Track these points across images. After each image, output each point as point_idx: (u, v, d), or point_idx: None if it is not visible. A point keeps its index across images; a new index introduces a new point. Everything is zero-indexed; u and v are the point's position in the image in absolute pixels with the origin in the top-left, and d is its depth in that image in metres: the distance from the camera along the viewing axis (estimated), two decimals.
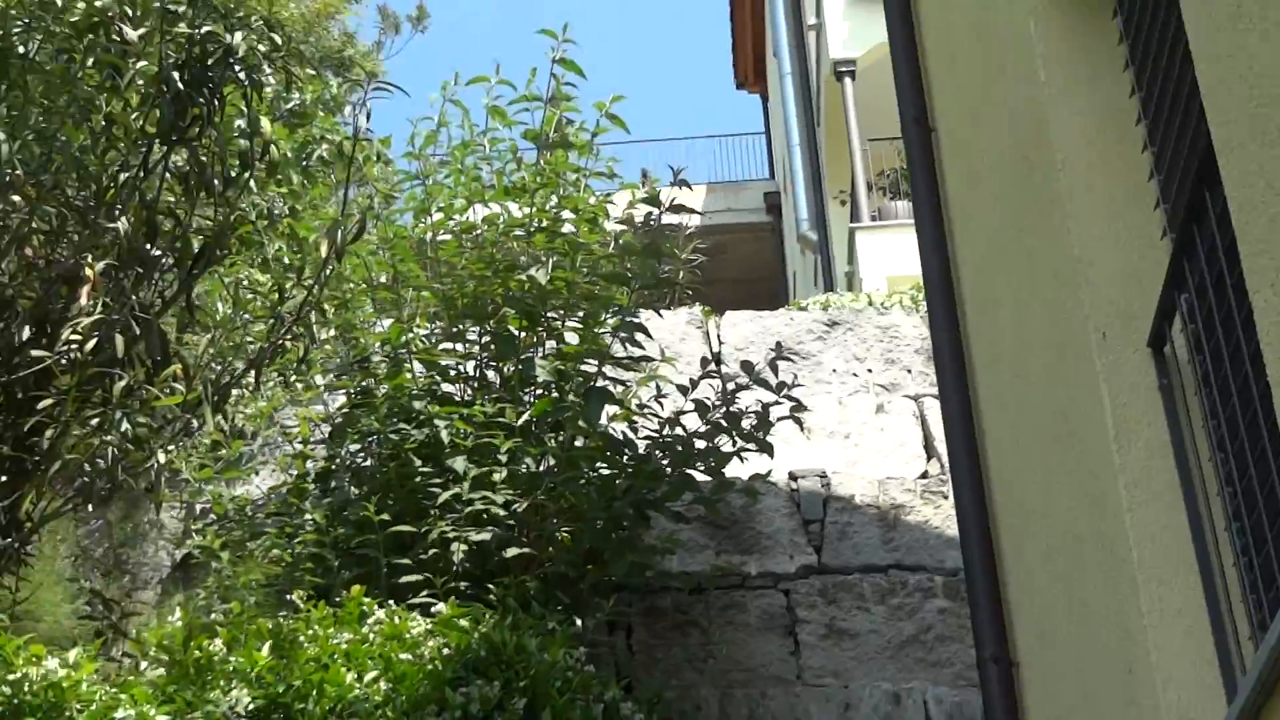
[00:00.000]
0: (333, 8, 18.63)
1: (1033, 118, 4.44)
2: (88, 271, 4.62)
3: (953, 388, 5.70)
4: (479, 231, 7.12)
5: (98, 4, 4.76)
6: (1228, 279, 3.27)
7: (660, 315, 7.66)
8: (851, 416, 8.59)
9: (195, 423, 4.79)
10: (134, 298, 4.81)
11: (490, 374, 7.11)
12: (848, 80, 16.83)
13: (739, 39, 26.41)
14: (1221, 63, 2.88)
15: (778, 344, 7.38)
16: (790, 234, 21.86)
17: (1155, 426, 3.90)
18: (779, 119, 21.82)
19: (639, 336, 7.02)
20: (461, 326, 7.07)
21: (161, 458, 4.56)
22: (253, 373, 5.09)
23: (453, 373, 7.03)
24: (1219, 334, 3.43)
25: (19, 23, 4.77)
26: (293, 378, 6.41)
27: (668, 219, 7.53)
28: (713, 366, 7.18)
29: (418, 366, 6.95)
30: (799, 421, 7.17)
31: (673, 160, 29.82)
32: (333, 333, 6.59)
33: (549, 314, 7.06)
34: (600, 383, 6.97)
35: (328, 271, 5.18)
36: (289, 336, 5.18)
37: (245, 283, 5.52)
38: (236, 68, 5.01)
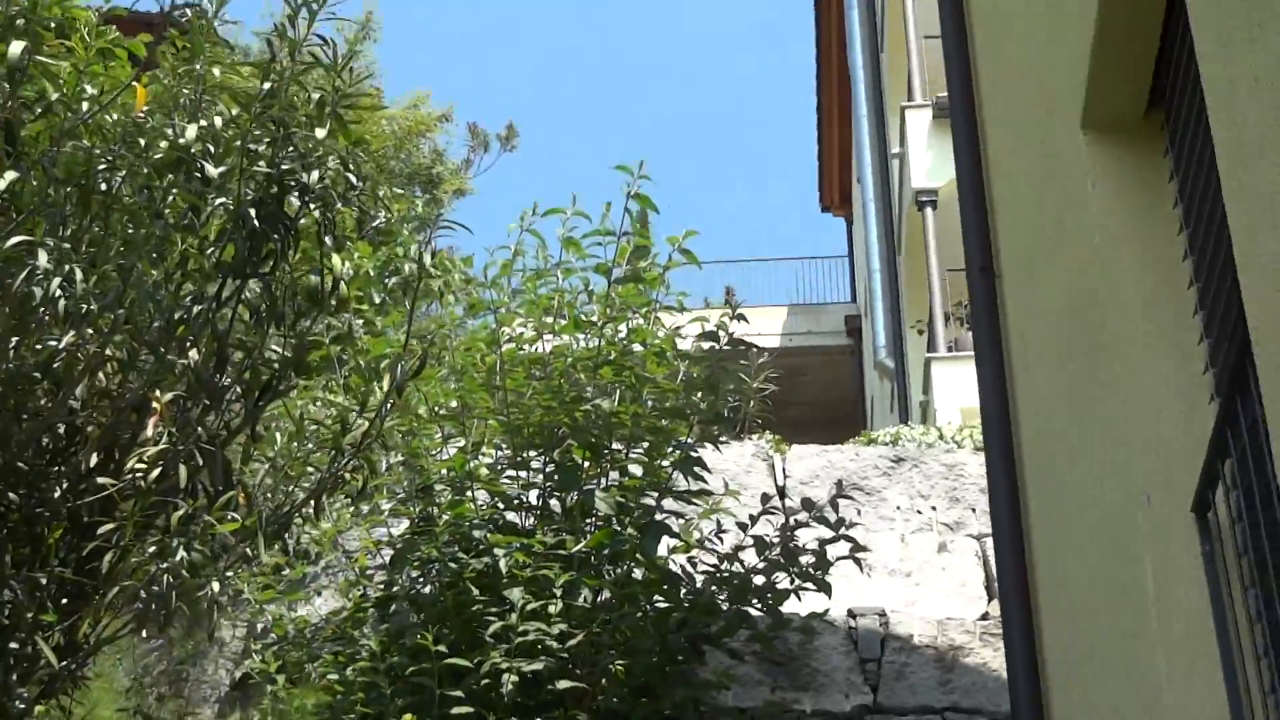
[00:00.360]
0: (423, 126, 19.02)
1: (1088, 277, 4.48)
2: (155, 402, 4.76)
3: (1007, 531, 5.71)
4: (548, 362, 7.22)
5: (181, 141, 4.94)
6: (1267, 451, 3.28)
7: (719, 450, 7.70)
8: (913, 554, 8.57)
9: (250, 551, 4.88)
10: (200, 428, 4.94)
11: (554, 503, 7.17)
12: (929, 210, 16.94)
13: (826, 162, 26.66)
14: (1257, 249, 2.92)
15: (838, 482, 7.40)
16: (869, 359, 21.87)
17: (1196, 592, 3.90)
18: (861, 244, 21.93)
19: (700, 470, 7.07)
20: (526, 455, 7.14)
21: (216, 586, 4.67)
22: (313, 502, 5.19)
23: (516, 501, 7.10)
24: (1258, 504, 3.44)
25: (103, 160, 4.95)
26: (358, 504, 6.50)
27: (745, 339, 7.61)
28: (773, 503, 7.20)
29: (481, 495, 7.03)
30: (858, 561, 7.18)
31: (755, 281, 29.94)
32: (398, 459, 6.69)
33: (613, 445, 7.13)
34: (660, 516, 7.02)
35: (389, 405, 5.28)
36: (350, 468, 5.29)
37: (307, 415, 5.64)
38: (311, 205, 5.17)
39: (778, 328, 26.73)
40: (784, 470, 9.11)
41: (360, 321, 7.69)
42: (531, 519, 7.11)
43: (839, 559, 7.10)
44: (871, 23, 20.19)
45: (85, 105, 4.88)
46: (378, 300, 7.13)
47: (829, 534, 7.10)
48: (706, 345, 7.35)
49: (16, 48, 4.69)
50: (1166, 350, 4.19)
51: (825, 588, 7.05)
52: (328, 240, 5.28)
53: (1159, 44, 4.17)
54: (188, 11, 5.21)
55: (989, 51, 6.20)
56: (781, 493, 8.54)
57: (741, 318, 7.21)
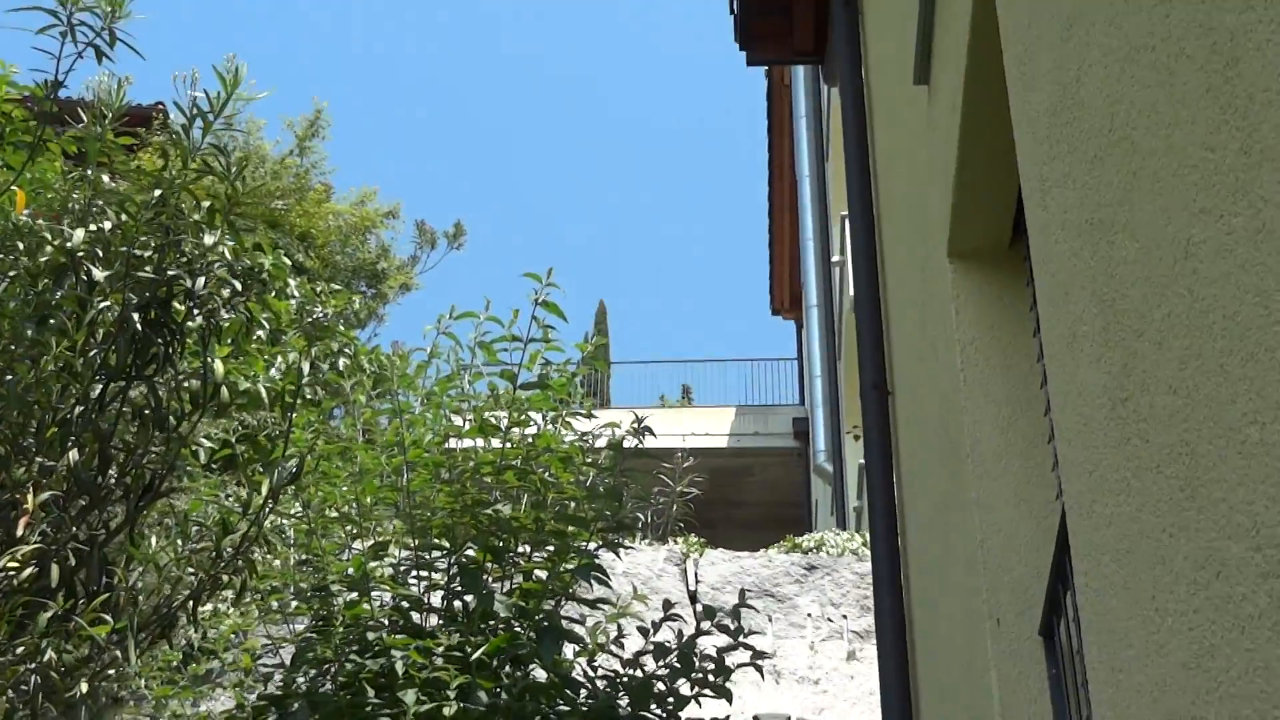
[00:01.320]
0: (370, 222, 19.12)
1: (955, 398, 4.57)
2: (25, 503, 4.79)
3: (890, 639, 5.77)
4: (454, 465, 7.26)
5: (68, 245, 4.99)
6: (1072, 593, 3.35)
7: (620, 556, 7.74)
8: (823, 662, 8.59)
9: (120, 653, 4.89)
10: (76, 528, 4.96)
11: (457, 605, 7.19)
12: None
13: (777, 267, 26.91)
14: (1059, 378, 3.00)
15: (742, 590, 7.43)
16: (812, 462, 21.96)
17: (1044, 714, 3.95)
18: (807, 349, 22.08)
19: (602, 576, 7.10)
20: (430, 556, 7.17)
21: (84, 687, 4.67)
22: (191, 603, 5.20)
23: (421, 602, 7.12)
24: None
25: None
26: (261, 600, 6.51)
27: (681, 443, 7.65)
28: (675, 610, 7.24)
29: (386, 595, 7.04)
30: (759, 668, 7.21)
31: (707, 381, 30.09)
32: (300, 558, 6.70)
33: (517, 549, 7.16)
34: (562, 620, 7.04)
35: (267, 510, 5.31)
36: (230, 570, 5.31)
37: (190, 516, 5.67)
38: (196, 311, 5.22)
39: (727, 428, 26.83)
40: (696, 575, 9.14)
41: (292, 416, 7.72)
42: (435, 619, 7.12)
43: (739, 666, 7.12)
44: (818, 133, 20.45)
45: None
46: (309, 396, 7.19)
47: (731, 641, 7.13)
48: (614, 452, 7.41)
49: None
50: (1021, 475, 4.28)
51: (725, 694, 7.06)
52: (211, 345, 5.32)
53: (1018, 178, 4.29)
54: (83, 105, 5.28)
55: (887, 175, 6.34)
56: (693, 597, 8.56)
57: (648, 430, 7.28)
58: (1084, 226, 2.72)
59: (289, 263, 6.91)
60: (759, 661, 7.16)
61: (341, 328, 7.55)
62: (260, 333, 7.29)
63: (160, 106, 17.13)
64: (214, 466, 7.01)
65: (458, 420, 7.49)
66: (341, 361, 7.11)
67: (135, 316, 5.08)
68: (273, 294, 6.29)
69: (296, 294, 6.91)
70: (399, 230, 20.38)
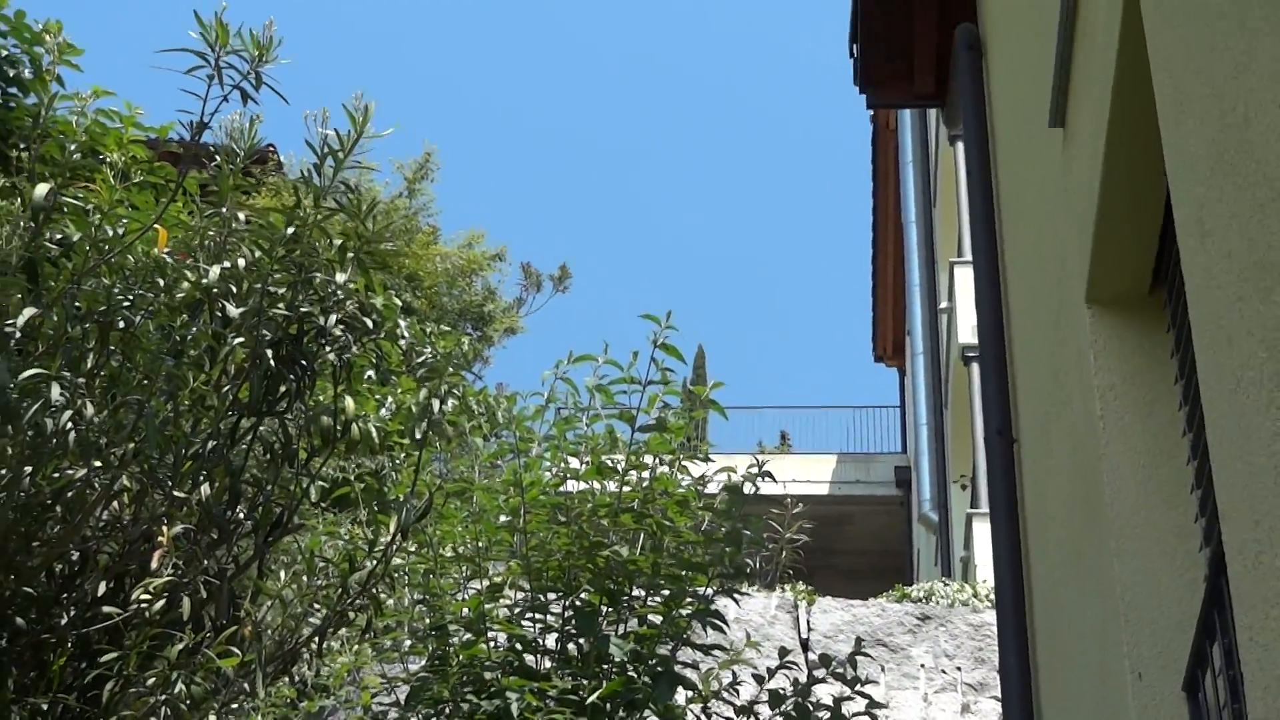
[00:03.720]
0: (477, 264, 19.27)
1: (1093, 446, 4.50)
2: (160, 536, 4.83)
3: (1015, 694, 5.66)
4: (571, 507, 7.26)
5: (204, 282, 5.06)
6: (1234, 645, 3.26)
7: (737, 602, 7.69)
8: (936, 714, 8.48)
9: (248, 686, 4.91)
10: (206, 561, 5.00)
11: (571, 648, 7.17)
12: (974, 365, 16.93)
13: (880, 313, 26.77)
14: (1221, 426, 2.93)
15: (858, 639, 7.36)
16: (916, 511, 21.76)
17: None
18: (911, 397, 21.93)
19: (717, 622, 7.06)
20: (545, 599, 7.16)
21: (213, 719, 4.69)
22: (317, 639, 5.22)
23: (534, 644, 7.10)
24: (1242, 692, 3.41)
25: (125, 299, 5.08)
26: (367, 642, 6.54)
27: (780, 489, 7.62)
28: (790, 657, 7.17)
29: (500, 636, 7.04)
30: (874, 718, 7.11)
31: (808, 428, 29.95)
32: (417, 597, 6.72)
33: (632, 592, 7.13)
34: (676, 666, 7.00)
35: (395, 546, 5.33)
36: (356, 607, 5.33)
37: (318, 553, 5.69)
38: (328, 349, 5.26)
39: (828, 475, 26.69)
40: (808, 623, 9.05)
41: (401, 457, 7.75)
42: (549, 662, 7.10)
43: (855, 715, 7.04)
44: (925, 179, 20.37)
45: (107, 246, 5.01)
46: (418, 436, 7.22)
47: (847, 690, 7.05)
48: (731, 495, 7.36)
49: (42, 189, 4.85)
50: (1163, 525, 4.19)
51: None
52: (342, 382, 5.36)
53: (1161, 223, 4.22)
54: (222, 147, 5.36)
55: (1011, 220, 6.27)
56: (805, 646, 8.49)
57: (767, 474, 7.23)
58: (1251, 269, 2.65)
59: (399, 303, 6.95)
60: (875, 711, 7.07)
61: (450, 369, 7.59)
62: (370, 372, 7.35)
63: (272, 147, 17.37)
64: (326, 505, 7.06)
65: (575, 463, 7.48)
66: (451, 403, 7.13)
67: (268, 352, 5.14)
68: (383, 334, 6.34)
69: (406, 334, 6.95)
70: (505, 273, 20.56)
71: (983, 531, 15.44)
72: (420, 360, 6.88)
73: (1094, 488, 4.46)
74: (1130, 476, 4.29)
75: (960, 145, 16.43)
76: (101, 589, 5.02)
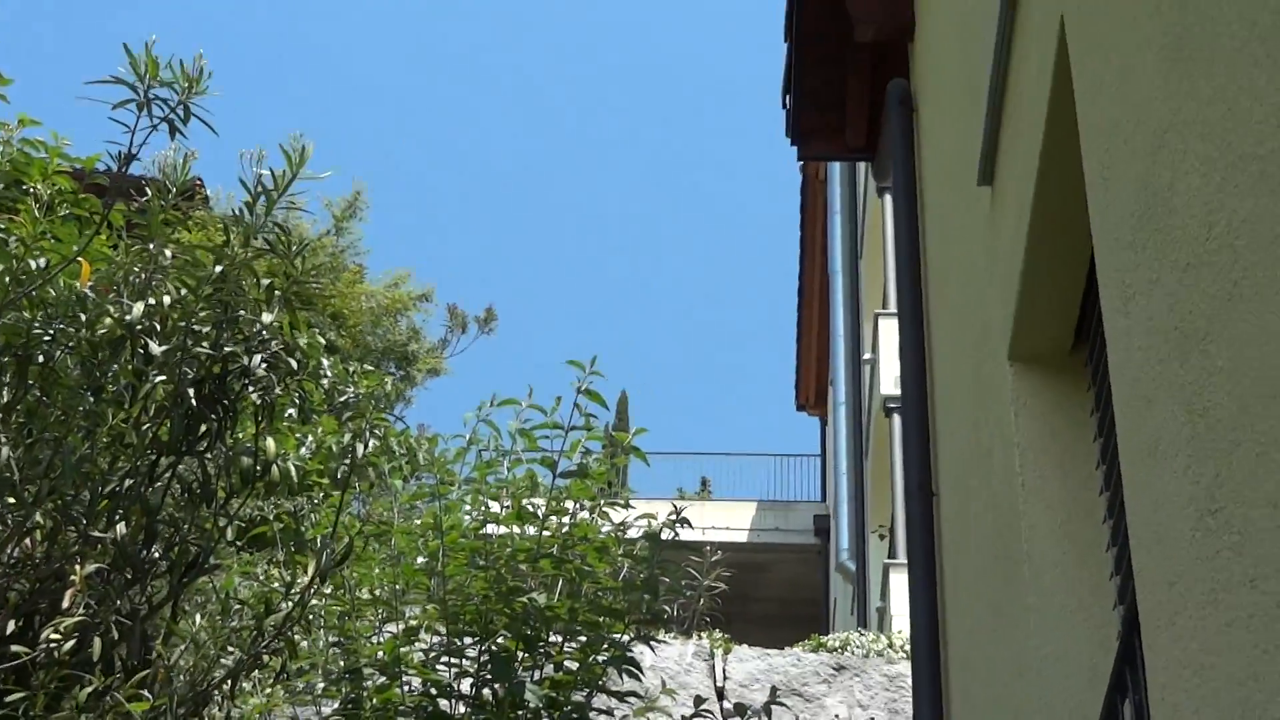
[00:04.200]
0: (402, 304, 19.23)
1: (1010, 503, 4.53)
2: (73, 575, 4.77)
3: None
4: (490, 552, 7.23)
5: (127, 318, 5.00)
6: (1145, 707, 3.29)
7: (654, 649, 7.68)
8: None
9: None
10: (119, 601, 4.94)
11: (487, 693, 7.12)
12: (896, 417, 17.02)
13: (804, 362, 26.90)
14: (1138, 488, 2.96)
15: (773, 688, 7.37)
16: (834, 560, 21.84)
17: None
18: (831, 446, 22.04)
19: (633, 669, 7.04)
20: (462, 643, 7.12)
21: None
22: (229, 681, 5.16)
23: (449, 689, 7.05)
24: None
25: (46, 333, 5.02)
26: (281, 684, 6.47)
27: (700, 535, 7.61)
28: (705, 706, 7.16)
29: (415, 681, 6.98)
30: None
31: (728, 474, 30.02)
32: (331, 639, 6.66)
33: (549, 638, 7.10)
34: (592, 713, 6.97)
35: (313, 589, 5.28)
36: (270, 649, 5.27)
37: (233, 595, 5.63)
38: (251, 388, 5.22)
39: (747, 522, 26.75)
40: (724, 672, 9.05)
41: (320, 498, 7.68)
42: (463, 707, 7.05)
43: None
44: (853, 230, 20.52)
45: (27, 278, 4.95)
46: (347, 477, 7.16)
47: None
48: (650, 542, 7.36)
49: None
50: (1079, 582, 4.23)
51: None
52: (264, 422, 5.32)
53: (1085, 283, 4.28)
54: (152, 182, 5.32)
55: (938, 275, 6.33)
56: (721, 694, 8.48)
57: (685, 522, 7.24)
58: (1172, 334, 2.69)
59: (323, 342, 6.91)
60: None
61: (372, 409, 7.54)
62: (292, 411, 7.29)
63: (199, 181, 17.26)
64: (243, 545, 6.98)
65: (495, 506, 7.46)
66: (372, 443, 7.09)
67: (190, 391, 5.09)
68: (306, 374, 6.30)
69: (329, 373, 6.91)
70: (431, 313, 20.52)
71: (900, 582, 15.50)
72: (343, 400, 6.84)
73: (1012, 543, 4.49)
74: (1047, 533, 4.33)
75: (888, 198, 16.58)
76: (10, 627, 4.94)
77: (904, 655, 9.87)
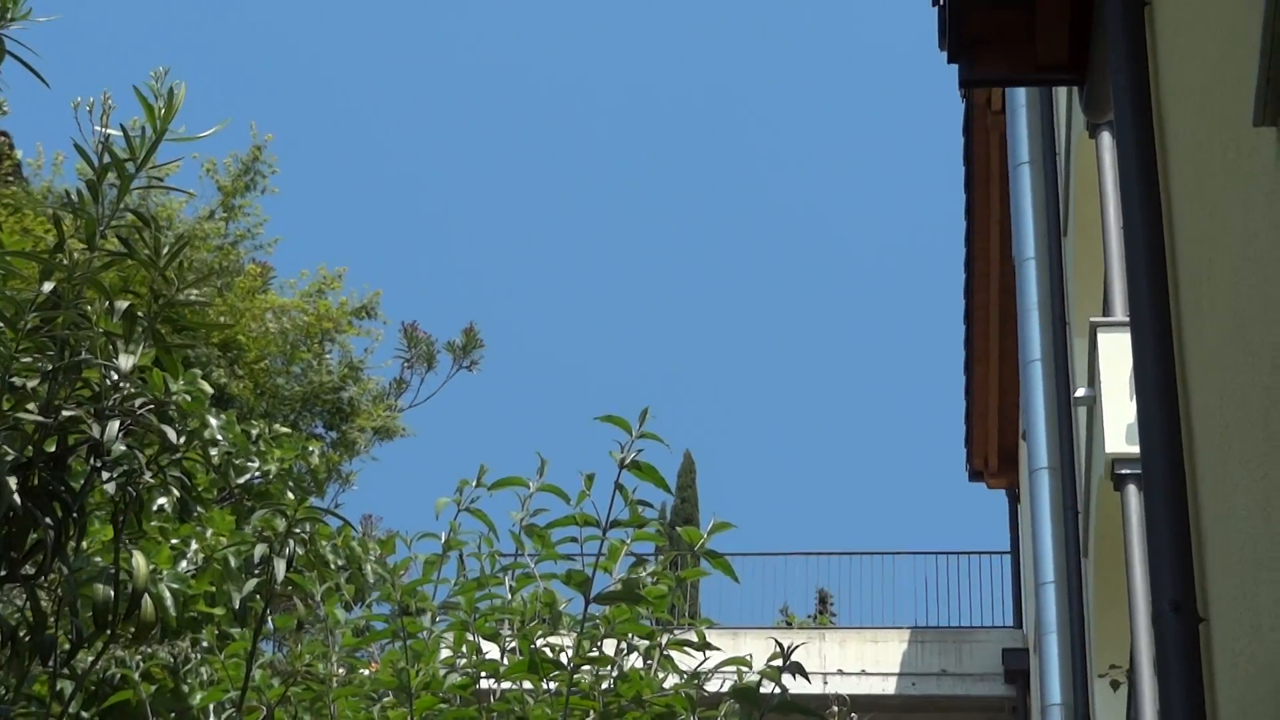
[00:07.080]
0: (331, 324, 19.16)
1: None
2: None
3: None
4: None
5: None
6: None
7: None
8: None
9: None
10: None
11: None
12: (1132, 488, 16.86)
13: (977, 405, 26.89)
14: None
15: None
16: None
17: None
18: (1029, 536, 21.98)
19: None
20: None
21: None
22: None
23: None
24: None
25: None
26: None
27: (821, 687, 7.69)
28: None
29: None
30: None
31: (861, 587, 29.95)
32: None
33: None
34: None
35: None
36: None
37: None
38: (105, 474, 5.27)
39: (895, 663, 26.73)
40: None
41: (214, 640, 7.78)
42: None
43: None
44: (1049, 191, 20.47)
45: None
46: (235, 604, 7.24)
47: None
48: (744, 705, 7.42)
49: None
50: None
51: None
52: (125, 527, 5.37)
53: None
54: None
55: (1196, 259, 6.35)
56: None
57: (798, 668, 7.27)
58: None
59: (208, 390, 6.95)
60: None
61: (290, 495, 7.62)
62: (163, 501, 7.36)
63: (3, 135, 17.48)
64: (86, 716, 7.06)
65: (493, 651, 7.53)
66: (294, 551, 7.17)
67: (10, 482, 5.14)
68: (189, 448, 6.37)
69: (220, 438, 6.98)
70: (378, 337, 20.41)
71: None
72: (243, 482, 6.92)
73: None
74: None
75: (1109, 141, 16.57)
76: None
77: None
